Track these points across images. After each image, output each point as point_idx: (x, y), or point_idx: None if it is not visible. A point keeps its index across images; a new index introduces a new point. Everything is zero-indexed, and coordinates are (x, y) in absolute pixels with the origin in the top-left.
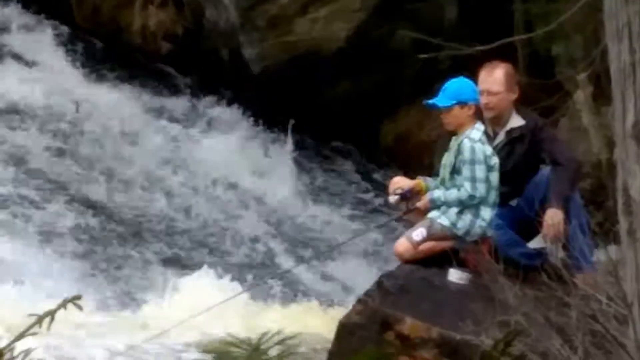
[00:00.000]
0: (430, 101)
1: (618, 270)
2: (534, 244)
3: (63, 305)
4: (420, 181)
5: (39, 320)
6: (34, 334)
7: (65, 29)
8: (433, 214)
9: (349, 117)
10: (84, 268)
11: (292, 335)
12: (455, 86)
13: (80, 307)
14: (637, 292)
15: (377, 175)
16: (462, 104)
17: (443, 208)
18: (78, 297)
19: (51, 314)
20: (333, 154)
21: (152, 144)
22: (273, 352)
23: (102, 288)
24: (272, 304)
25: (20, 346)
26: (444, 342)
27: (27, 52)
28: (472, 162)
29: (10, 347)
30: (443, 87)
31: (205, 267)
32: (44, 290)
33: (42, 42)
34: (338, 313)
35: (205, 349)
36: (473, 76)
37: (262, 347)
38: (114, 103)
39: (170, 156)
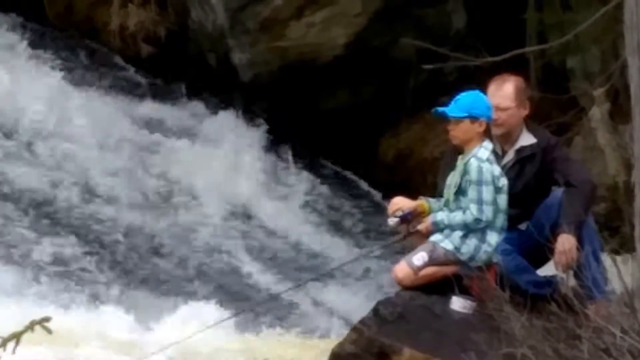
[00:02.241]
0: (440, 109)
1: (634, 301)
2: (544, 271)
3: (30, 327)
4: (423, 202)
5: (4, 342)
6: None
7: (36, 27)
8: (435, 237)
9: (346, 131)
10: (60, 288)
11: None
12: (469, 99)
13: (49, 330)
14: None
15: (375, 195)
16: (473, 118)
17: (446, 231)
18: (47, 319)
19: (17, 336)
20: (328, 170)
21: (129, 153)
22: None
23: (78, 309)
24: (262, 330)
25: None
26: None
27: None
28: (479, 182)
29: None
30: (456, 98)
31: (190, 290)
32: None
33: (11, 41)
34: (331, 341)
35: None
36: (481, 90)
37: None
38: (88, 109)
39: (150, 169)
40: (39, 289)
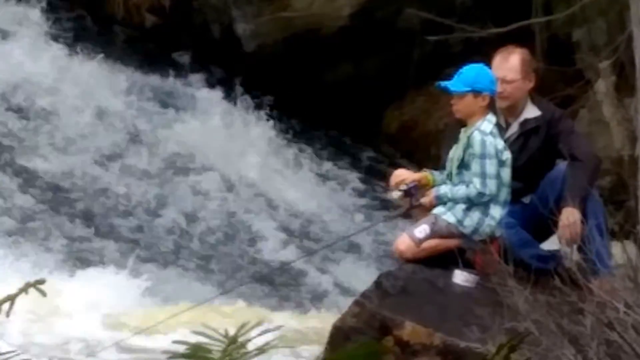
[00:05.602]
0: (443, 83)
1: (638, 276)
2: (548, 245)
3: (24, 289)
4: (427, 174)
5: None
6: None
7: None
8: (438, 209)
9: (351, 103)
10: (52, 256)
11: (275, 327)
12: (473, 73)
13: (43, 293)
14: None
15: (378, 166)
16: (477, 92)
17: (449, 204)
18: (41, 282)
19: (11, 298)
20: (332, 142)
21: (133, 125)
22: (254, 344)
23: (76, 280)
24: (261, 302)
25: None
26: (447, 350)
27: None
28: (483, 156)
29: None
30: (459, 71)
31: (186, 262)
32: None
33: (14, 10)
34: (332, 315)
35: (176, 341)
36: (487, 61)
37: (241, 339)
38: (92, 80)
39: (154, 140)
40: (48, 259)
